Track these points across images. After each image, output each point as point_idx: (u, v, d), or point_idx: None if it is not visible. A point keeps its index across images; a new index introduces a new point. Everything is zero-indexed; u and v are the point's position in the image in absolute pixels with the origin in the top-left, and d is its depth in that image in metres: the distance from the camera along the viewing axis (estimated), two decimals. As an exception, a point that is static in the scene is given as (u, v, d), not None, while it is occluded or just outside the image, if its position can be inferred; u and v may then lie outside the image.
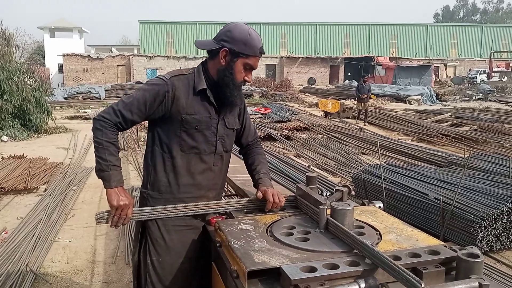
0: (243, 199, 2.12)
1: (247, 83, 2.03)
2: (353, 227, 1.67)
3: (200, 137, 2.00)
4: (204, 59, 2.11)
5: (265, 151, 2.49)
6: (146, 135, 2.15)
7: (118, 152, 1.95)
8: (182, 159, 2.00)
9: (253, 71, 2.04)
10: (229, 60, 1.94)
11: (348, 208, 1.66)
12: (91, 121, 1.98)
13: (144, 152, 2.16)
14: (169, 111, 1.96)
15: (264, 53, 2.02)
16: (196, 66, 2.05)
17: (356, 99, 14.99)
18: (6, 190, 6.02)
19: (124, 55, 35.70)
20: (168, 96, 1.94)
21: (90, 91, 24.31)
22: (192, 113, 1.98)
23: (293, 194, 2.15)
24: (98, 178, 1.89)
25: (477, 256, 1.37)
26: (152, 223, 2.00)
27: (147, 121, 2.06)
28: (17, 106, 11.63)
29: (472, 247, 1.45)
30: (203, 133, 2.00)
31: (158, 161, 2.01)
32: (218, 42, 1.94)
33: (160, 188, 2.02)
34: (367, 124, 13.76)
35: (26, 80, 12.42)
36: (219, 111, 2.04)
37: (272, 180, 2.21)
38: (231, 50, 1.92)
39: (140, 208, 1.98)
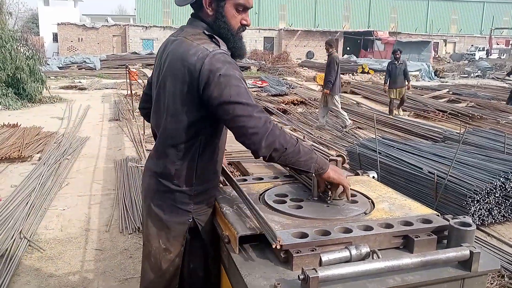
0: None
1: (246, 27, 1.67)
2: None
3: None
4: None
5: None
6: (169, 125, 1.63)
7: None
8: (223, 139, 1.76)
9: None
10: (216, 7, 1.61)
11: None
12: (257, 137, 1.49)
13: (170, 144, 1.63)
14: None
15: None
16: (202, 31, 1.62)
17: (388, 84, 10.34)
18: (0, 158, 5.99)
19: (119, 25, 35.07)
20: None
21: (85, 61, 23.94)
22: None
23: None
24: (317, 173, 1.60)
25: (469, 225, 1.37)
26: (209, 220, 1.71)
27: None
28: (11, 75, 11.45)
29: (464, 217, 1.45)
30: None
31: (209, 151, 1.67)
32: None
33: (209, 179, 1.71)
34: (401, 110, 10.69)
35: (19, 48, 12.19)
36: None
37: None
38: None
39: None
